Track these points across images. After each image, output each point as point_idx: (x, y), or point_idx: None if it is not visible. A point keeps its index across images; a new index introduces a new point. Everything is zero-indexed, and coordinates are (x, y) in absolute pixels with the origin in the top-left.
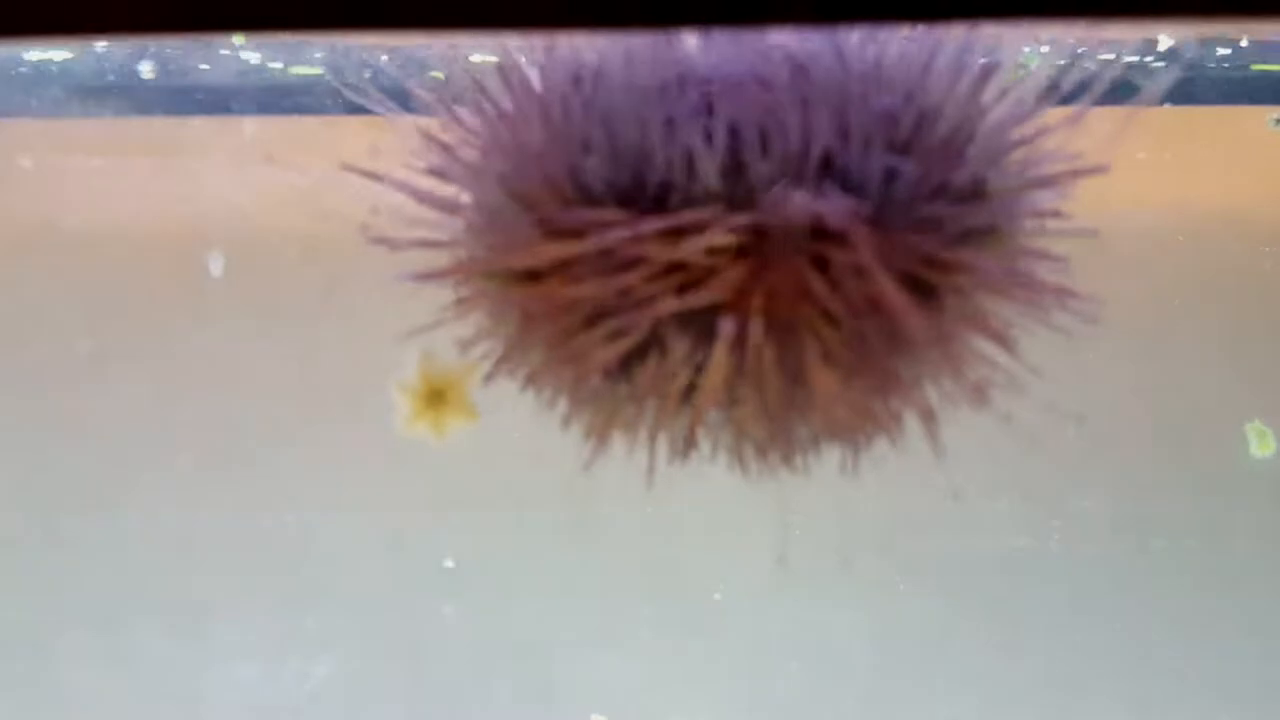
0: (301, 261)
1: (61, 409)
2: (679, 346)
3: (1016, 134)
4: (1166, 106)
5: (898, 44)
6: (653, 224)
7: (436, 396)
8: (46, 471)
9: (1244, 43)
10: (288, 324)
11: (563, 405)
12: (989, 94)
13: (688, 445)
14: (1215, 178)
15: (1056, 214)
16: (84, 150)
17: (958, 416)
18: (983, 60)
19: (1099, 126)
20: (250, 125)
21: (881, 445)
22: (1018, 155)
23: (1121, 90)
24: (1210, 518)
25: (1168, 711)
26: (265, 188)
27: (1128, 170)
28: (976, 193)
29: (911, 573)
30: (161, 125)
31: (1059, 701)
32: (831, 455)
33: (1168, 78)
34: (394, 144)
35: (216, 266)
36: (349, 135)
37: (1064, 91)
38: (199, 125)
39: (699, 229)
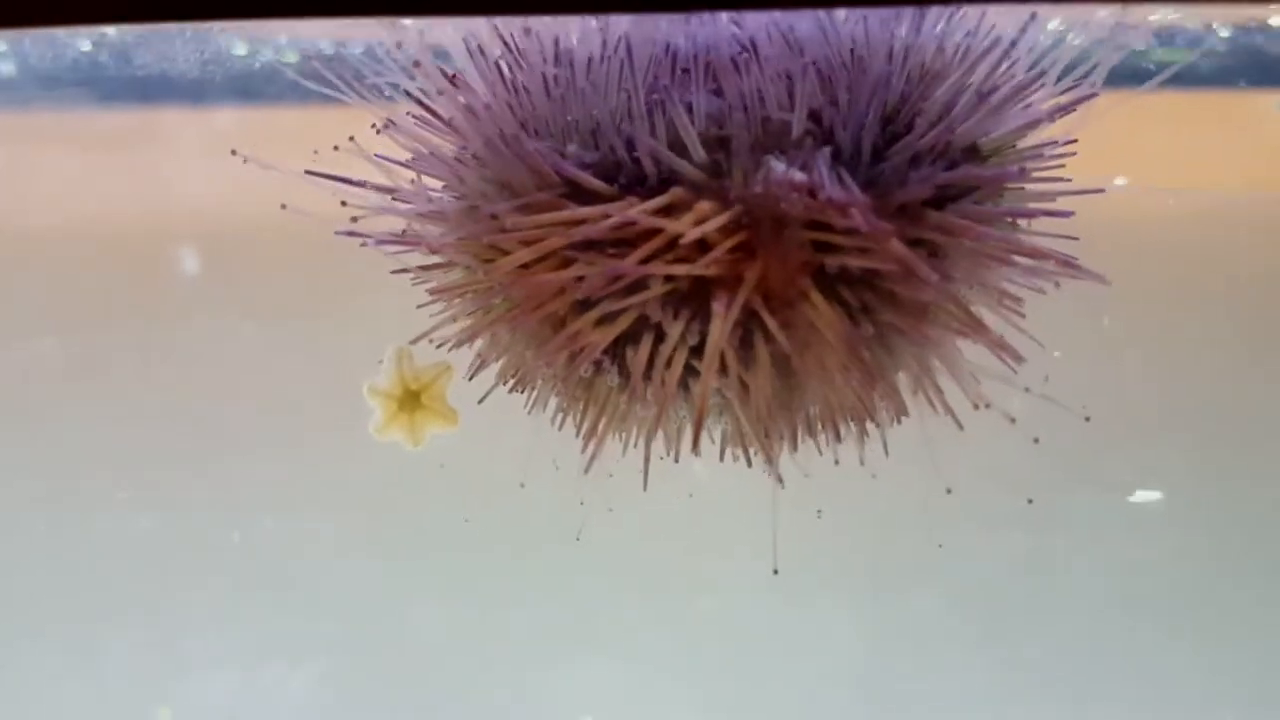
0: (278, 256)
1: (30, 409)
2: (672, 329)
3: (1011, 100)
4: (1174, 89)
5: (881, 16)
6: (641, 204)
7: (411, 400)
8: (13, 473)
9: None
10: (266, 321)
11: (552, 403)
12: (978, 61)
13: (694, 433)
14: (1224, 161)
15: (1056, 178)
16: (54, 143)
17: (959, 410)
18: (973, 30)
19: (1105, 109)
20: (223, 116)
21: (875, 443)
22: (1014, 120)
23: (1129, 73)
24: (1223, 513)
25: (1166, 712)
26: (238, 181)
27: (1134, 153)
28: (971, 155)
29: (905, 573)
30: (131, 117)
31: (1056, 703)
32: (825, 452)
33: (1177, 60)
34: (372, 134)
35: (190, 262)
36: (327, 125)
37: (1069, 71)
38: (170, 117)
39: (687, 206)
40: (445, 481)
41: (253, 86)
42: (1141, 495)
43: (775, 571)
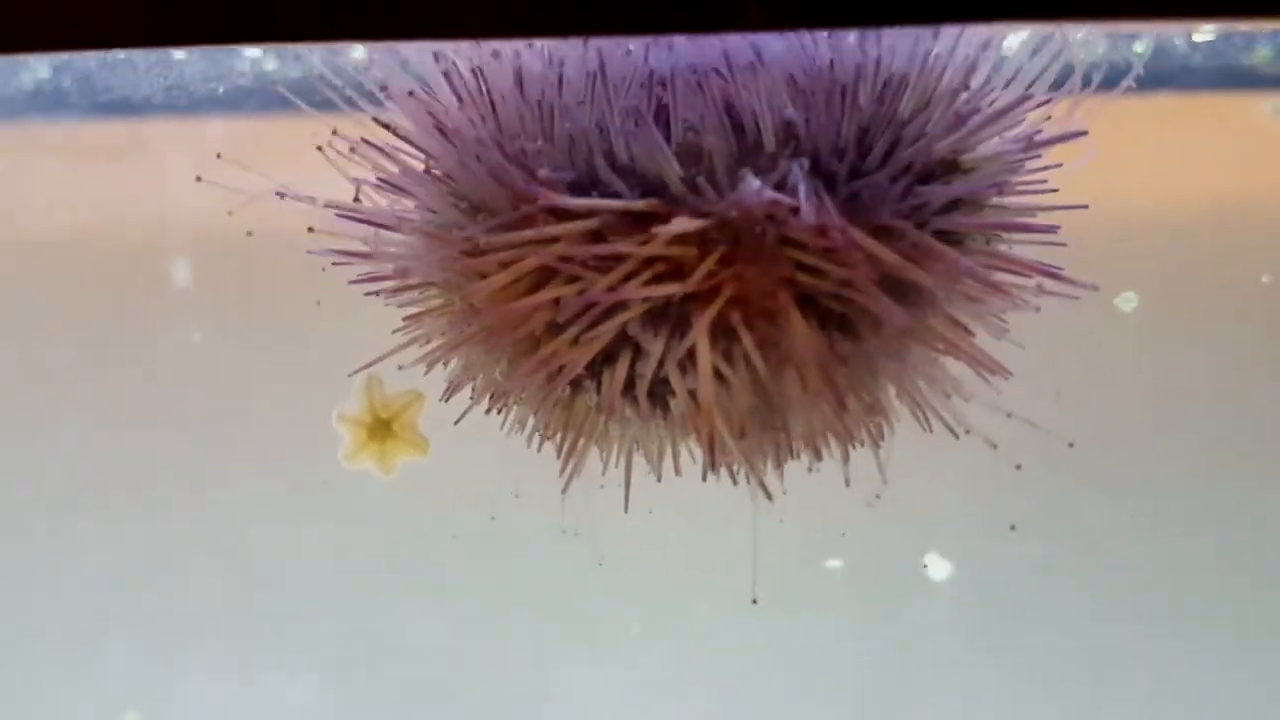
0: (271, 266)
1: (22, 416)
2: (652, 347)
3: (992, 114)
4: (1164, 94)
5: (859, 34)
6: (612, 207)
7: (382, 428)
8: (6, 480)
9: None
10: (258, 332)
11: (530, 423)
12: (958, 76)
13: (711, 454)
14: (1215, 166)
15: (1041, 189)
16: (45, 154)
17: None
18: (952, 45)
19: (1095, 114)
20: (213, 127)
21: (869, 451)
22: (995, 134)
23: (1118, 77)
24: (1230, 512)
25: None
26: (229, 192)
27: (1125, 159)
28: (951, 170)
29: (901, 583)
30: (123, 128)
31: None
32: (817, 462)
33: (1164, 65)
34: (346, 152)
35: (182, 272)
36: (320, 138)
37: (1056, 76)
38: (160, 128)
39: (663, 221)
40: (440, 493)
41: (239, 100)
42: (1143, 500)
43: (754, 601)
